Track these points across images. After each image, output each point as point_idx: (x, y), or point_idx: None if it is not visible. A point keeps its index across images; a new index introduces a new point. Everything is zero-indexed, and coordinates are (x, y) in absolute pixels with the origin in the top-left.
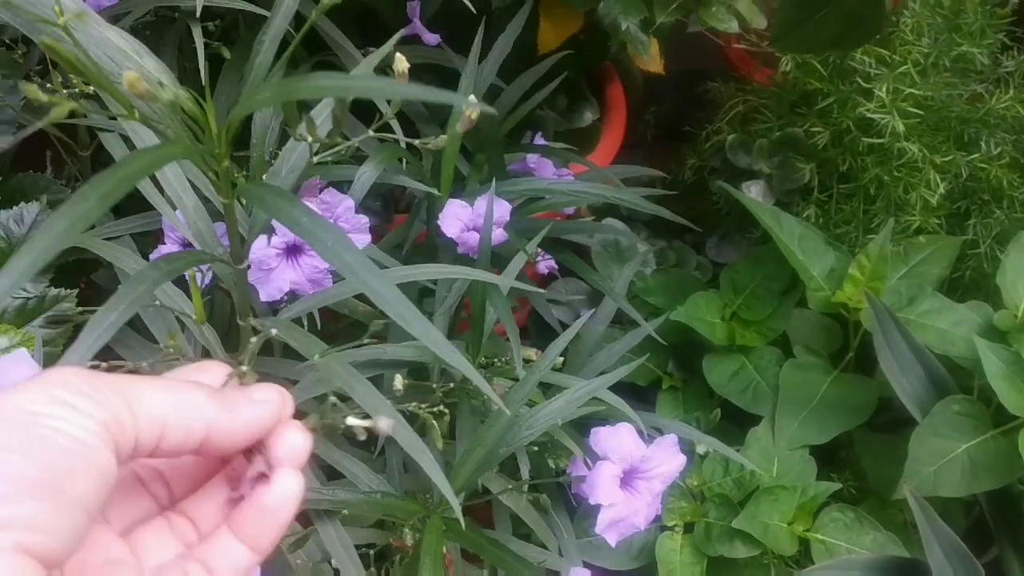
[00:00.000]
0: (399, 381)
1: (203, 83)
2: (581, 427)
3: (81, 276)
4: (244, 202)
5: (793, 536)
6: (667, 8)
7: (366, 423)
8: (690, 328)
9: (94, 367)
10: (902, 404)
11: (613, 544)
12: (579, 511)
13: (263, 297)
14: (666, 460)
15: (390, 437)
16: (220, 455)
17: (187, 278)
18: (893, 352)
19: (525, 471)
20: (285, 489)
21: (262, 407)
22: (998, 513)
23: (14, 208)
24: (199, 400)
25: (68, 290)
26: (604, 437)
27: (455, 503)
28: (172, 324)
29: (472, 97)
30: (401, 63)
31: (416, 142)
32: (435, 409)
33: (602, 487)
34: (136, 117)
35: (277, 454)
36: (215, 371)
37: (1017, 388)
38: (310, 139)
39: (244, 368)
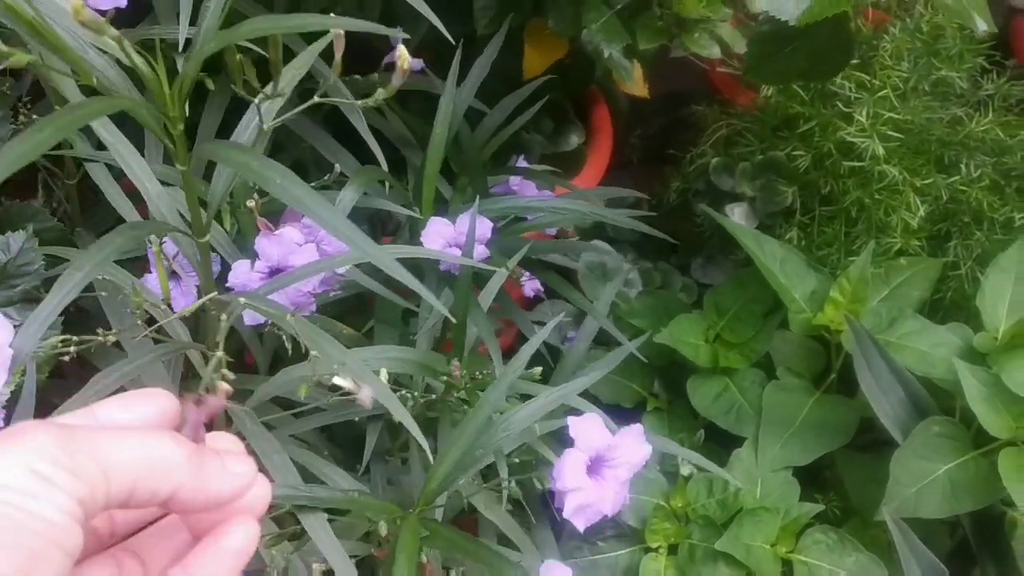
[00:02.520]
0: (384, 374)
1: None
2: (561, 439)
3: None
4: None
5: (776, 558)
6: (650, 35)
7: (348, 381)
8: (674, 350)
9: (64, 341)
10: (883, 425)
11: (581, 529)
12: (565, 532)
13: (248, 320)
14: (632, 449)
15: (375, 454)
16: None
17: (151, 256)
18: (874, 374)
19: (504, 471)
20: (241, 537)
21: (235, 481)
22: (980, 534)
23: (1, 237)
24: (172, 463)
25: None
26: (572, 425)
27: (427, 448)
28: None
29: (400, 31)
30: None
31: (360, 103)
32: (403, 393)
33: (569, 472)
34: (92, 81)
35: (236, 507)
36: (161, 400)
37: (997, 410)
38: (256, 100)
39: (219, 354)
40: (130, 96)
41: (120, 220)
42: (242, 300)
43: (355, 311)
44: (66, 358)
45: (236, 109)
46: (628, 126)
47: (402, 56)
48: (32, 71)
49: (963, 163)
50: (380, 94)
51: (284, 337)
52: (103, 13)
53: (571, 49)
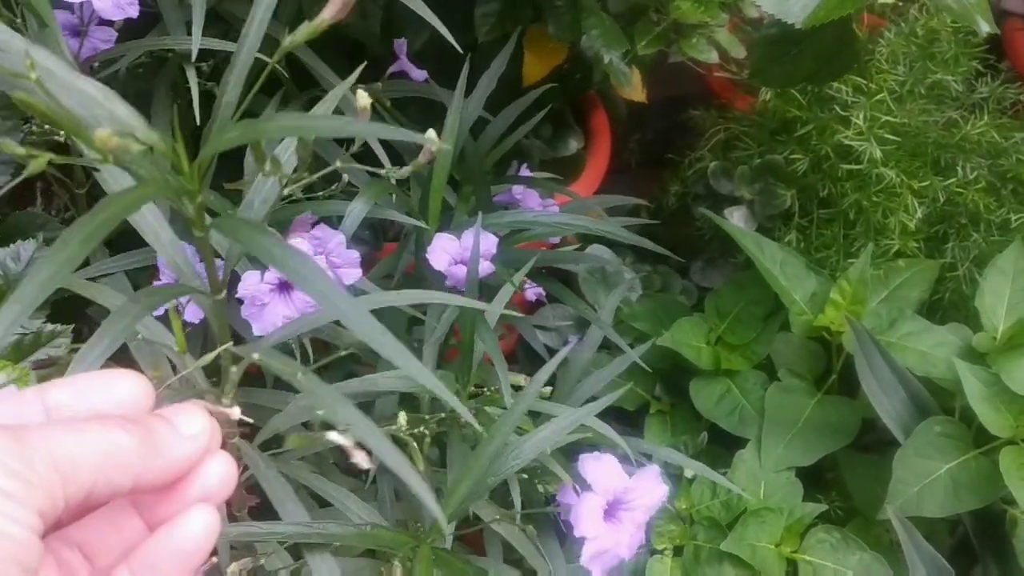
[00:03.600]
0: (403, 418)
1: (196, 121)
2: (569, 453)
3: (77, 311)
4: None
5: (781, 558)
6: (649, 41)
7: (346, 441)
8: (676, 353)
9: None
10: (885, 425)
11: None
12: (569, 537)
13: (256, 331)
14: (649, 491)
15: (382, 466)
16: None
17: (161, 267)
18: (875, 374)
19: (517, 500)
20: (197, 528)
21: (191, 444)
22: (981, 532)
23: (11, 246)
24: (126, 448)
25: (63, 326)
26: (589, 467)
27: (444, 523)
28: (159, 355)
29: (431, 133)
30: (362, 99)
31: (382, 172)
32: (416, 430)
33: (586, 519)
34: (111, 161)
35: (193, 490)
36: (129, 382)
37: (997, 409)
38: (277, 176)
39: (226, 401)
40: (157, 178)
41: (128, 230)
42: (256, 356)
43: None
44: None
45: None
46: (626, 131)
47: (433, 141)
48: None
49: (959, 165)
50: (406, 171)
51: (294, 349)
52: (111, 23)
53: (570, 55)
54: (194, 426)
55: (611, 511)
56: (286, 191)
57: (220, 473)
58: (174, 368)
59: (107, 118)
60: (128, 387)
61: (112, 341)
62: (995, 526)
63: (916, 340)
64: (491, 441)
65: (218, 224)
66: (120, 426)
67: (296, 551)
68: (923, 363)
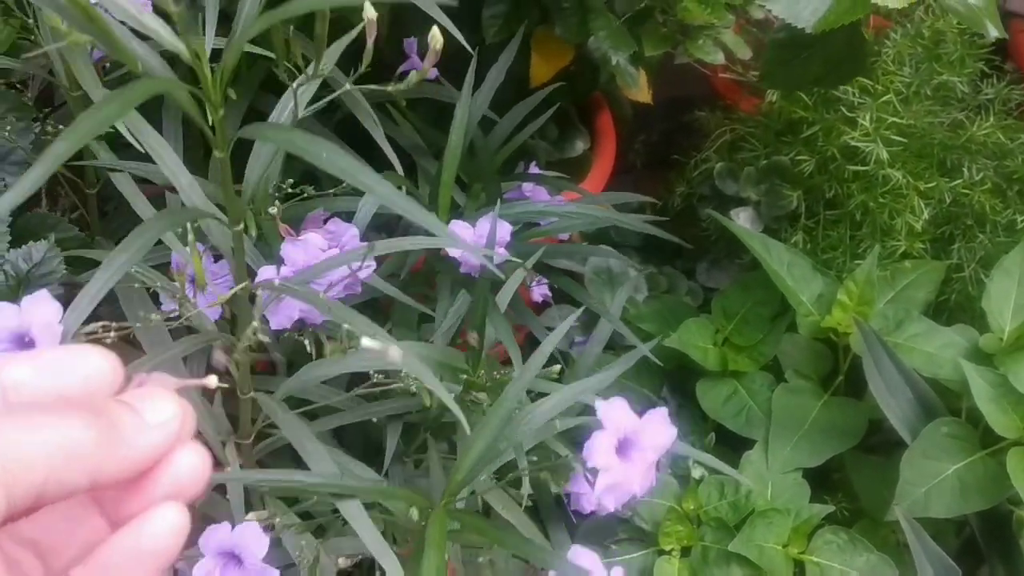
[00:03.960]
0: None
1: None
2: (576, 443)
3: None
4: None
5: (788, 559)
6: (655, 42)
7: (378, 344)
8: (683, 354)
9: (105, 327)
10: (891, 426)
11: (611, 508)
12: (579, 531)
13: (273, 326)
14: (658, 431)
15: (395, 455)
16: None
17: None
18: (882, 376)
19: (523, 461)
20: (163, 528)
21: (158, 433)
22: (988, 533)
23: (23, 247)
24: (82, 441)
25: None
26: (601, 409)
27: (464, 423)
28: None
29: (435, 30)
30: (369, 11)
31: (391, 88)
32: None
33: (599, 452)
34: (138, 70)
35: (161, 485)
36: (96, 359)
37: (1004, 410)
38: (295, 84)
39: (255, 323)
40: (173, 80)
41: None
42: (277, 284)
43: (371, 316)
44: (108, 341)
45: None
46: (632, 132)
47: (435, 36)
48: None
49: (965, 166)
50: (413, 77)
51: (306, 341)
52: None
53: (576, 56)
54: (162, 413)
55: (622, 449)
56: (301, 114)
57: (191, 465)
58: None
59: (136, 27)
60: (95, 364)
61: (138, 249)
62: (1002, 527)
63: (923, 341)
64: (502, 404)
65: (249, 131)
66: (79, 417)
67: (307, 516)
68: (930, 364)
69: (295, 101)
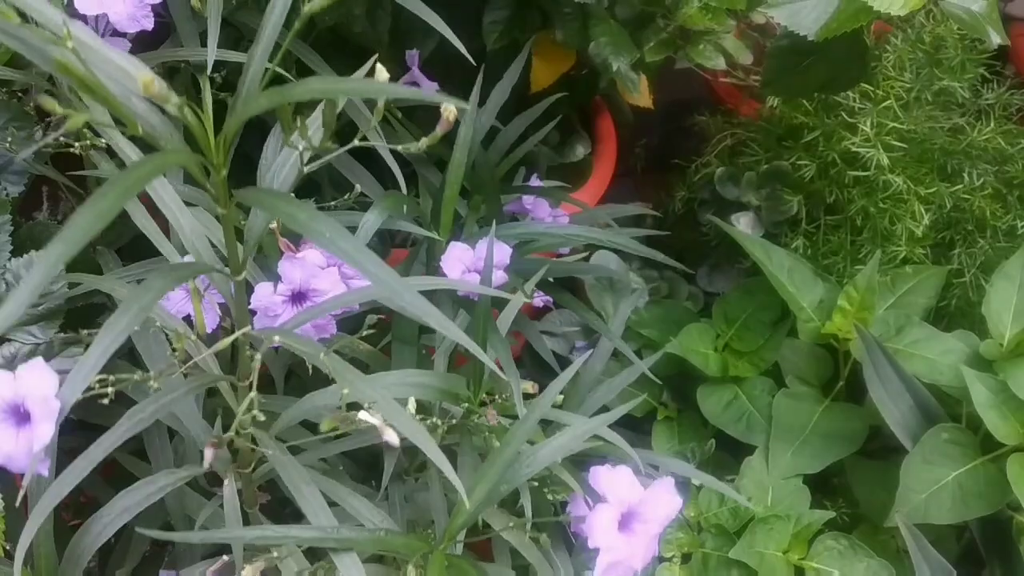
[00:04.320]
0: (412, 404)
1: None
2: (579, 463)
3: (90, 322)
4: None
5: (789, 565)
6: (657, 48)
7: (376, 420)
8: (684, 359)
9: (101, 382)
10: (891, 432)
11: None
12: (577, 547)
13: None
14: (664, 503)
15: (394, 474)
16: None
17: (188, 292)
18: (883, 382)
19: (528, 509)
20: None
21: None
22: (988, 539)
23: (24, 256)
24: None
25: (79, 333)
26: (603, 479)
27: (465, 497)
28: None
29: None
30: (382, 73)
31: (399, 148)
32: (428, 421)
33: (600, 531)
34: (140, 132)
35: None
36: None
37: (1004, 416)
38: (300, 147)
39: (253, 388)
40: (182, 149)
41: (141, 236)
42: (277, 338)
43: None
44: (105, 400)
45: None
46: (632, 136)
47: (447, 109)
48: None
49: (966, 172)
50: (422, 144)
51: (328, 371)
52: (124, 35)
53: (576, 61)
54: None
55: (625, 522)
56: (305, 170)
57: None
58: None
59: (136, 88)
60: None
61: (140, 311)
62: (1002, 533)
63: (923, 347)
64: (505, 448)
65: (243, 195)
66: None
67: (312, 554)
68: (930, 370)
69: (301, 160)
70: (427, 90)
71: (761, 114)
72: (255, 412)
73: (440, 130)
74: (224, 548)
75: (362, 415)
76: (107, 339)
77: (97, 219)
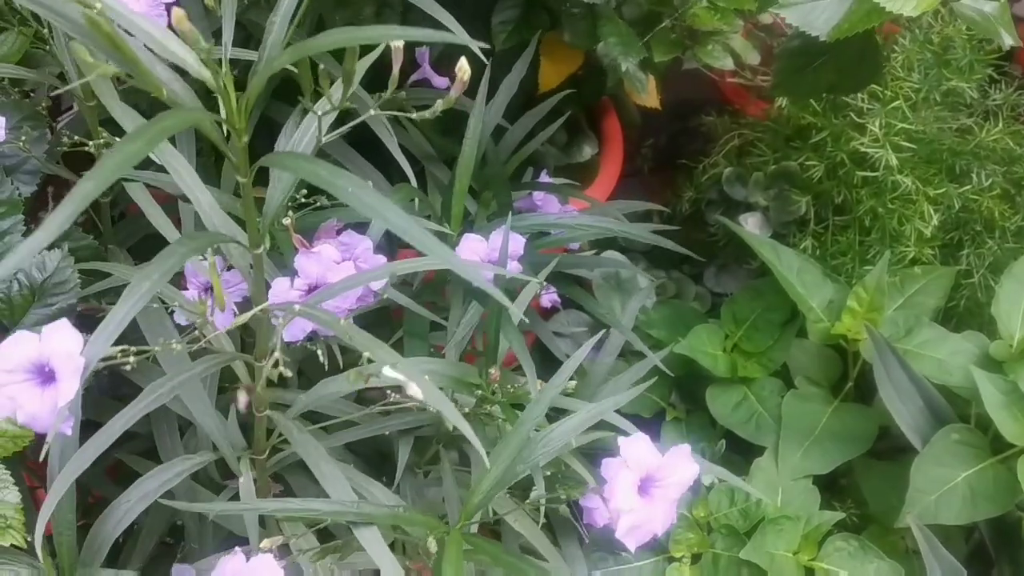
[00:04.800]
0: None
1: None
2: (591, 457)
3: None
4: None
5: (799, 566)
6: (665, 48)
7: (400, 375)
8: (692, 360)
9: (124, 351)
10: (900, 432)
11: (632, 549)
12: (590, 543)
13: (286, 337)
14: (681, 468)
15: (407, 467)
16: None
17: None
18: (893, 382)
19: (541, 488)
20: None
21: None
22: (997, 539)
23: (36, 256)
24: None
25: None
26: (623, 446)
27: (486, 460)
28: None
29: (463, 61)
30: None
31: (416, 116)
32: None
33: (621, 493)
34: (164, 95)
35: None
36: None
37: (1015, 417)
38: (320, 112)
39: (278, 354)
40: (200, 110)
41: (152, 236)
42: (297, 308)
43: (381, 324)
44: (128, 367)
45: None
46: (639, 136)
47: (462, 67)
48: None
49: (974, 172)
50: (439, 106)
51: (319, 351)
52: None
53: (584, 61)
54: None
55: (644, 487)
56: (323, 139)
57: None
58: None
59: (162, 53)
60: None
61: (163, 275)
62: (1011, 533)
63: (933, 348)
64: (520, 428)
65: (266, 159)
66: None
67: (323, 535)
68: (940, 371)
69: (319, 127)
70: (439, 86)
71: (769, 114)
72: (281, 369)
73: (454, 93)
74: (237, 542)
75: (386, 370)
76: (130, 300)
77: (125, 161)
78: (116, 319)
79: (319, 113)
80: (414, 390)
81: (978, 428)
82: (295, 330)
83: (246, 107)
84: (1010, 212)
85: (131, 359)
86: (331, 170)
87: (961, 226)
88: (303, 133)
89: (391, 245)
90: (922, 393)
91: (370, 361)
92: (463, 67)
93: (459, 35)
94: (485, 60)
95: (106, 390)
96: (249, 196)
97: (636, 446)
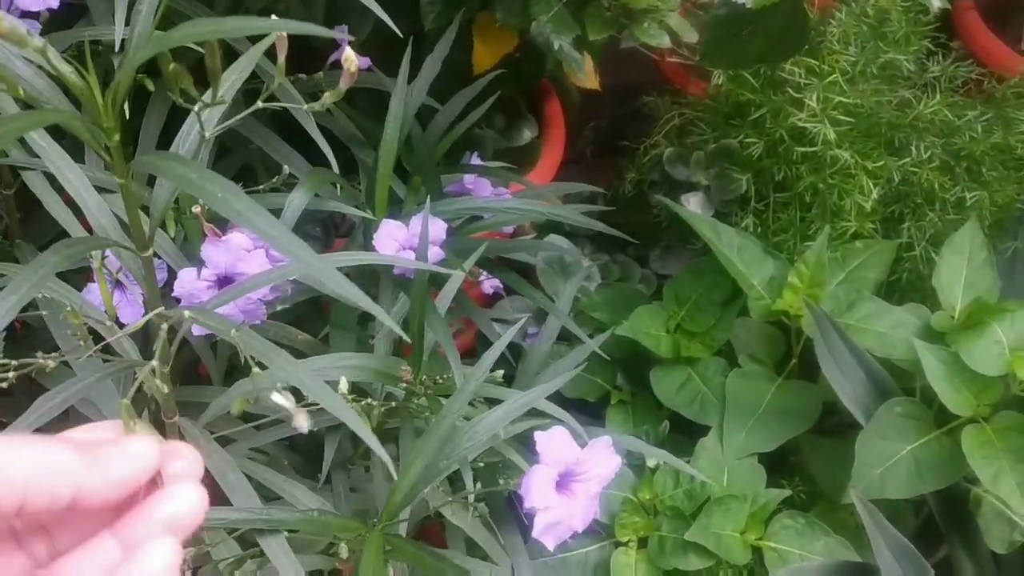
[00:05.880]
0: (344, 384)
1: (126, 116)
2: (530, 444)
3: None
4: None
5: (746, 545)
6: (599, 26)
7: (287, 401)
8: (636, 342)
9: (3, 366)
10: (846, 408)
11: (551, 547)
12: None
13: (195, 331)
14: (601, 462)
15: (336, 462)
16: (93, 513)
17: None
18: (835, 357)
19: (469, 483)
20: (157, 562)
21: (136, 462)
22: (946, 512)
23: None
24: (65, 461)
25: None
26: (539, 441)
27: (392, 467)
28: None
29: (349, 50)
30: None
31: (307, 107)
32: (364, 402)
33: (537, 490)
34: (20, 94)
35: (159, 517)
36: (103, 431)
37: (957, 388)
38: (196, 108)
39: (155, 363)
40: (61, 108)
41: (63, 234)
42: (187, 314)
43: (310, 316)
44: (4, 384)
45: (180, 111)
46: (580, 119)
47: (348, 58)
48: None
49: (913, 145)
50: (327, 98)
51: (239, 347)
52: (36, 15)
53: (520, 43)
54: (140, 447)
55: (563, 482)
56: (207, 134)
57: (188, 502)
58: (99, 339)
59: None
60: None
61: (31, 287)
62: (959, 506)
63: (875, 322)
64: (442, 421)
65: (143, 162)
66: (64, 445)
67: (244, 542)
68: (882, 344)
69: (200, 124)
70: (361, 66)
71: (708, 93)
72: (159, 384)
73: (343, 84)
74: None
75: (274, 397)
76: None
77: None
78: None
79: (196, 110)
80: (300, 421)
81: (922, 401)
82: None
83: (113, 103)
84: (950, 184)
85: (10, 375)
86: (202, 174)
87: (901, 199)
88: (188, 130)
89: (328, 235)
90: (865, 367)
91: (262, 366)
92: (349, 58)
93: (319, 29)
94: (401, 35)
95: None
96: (131, 197)
97: (553, 441)
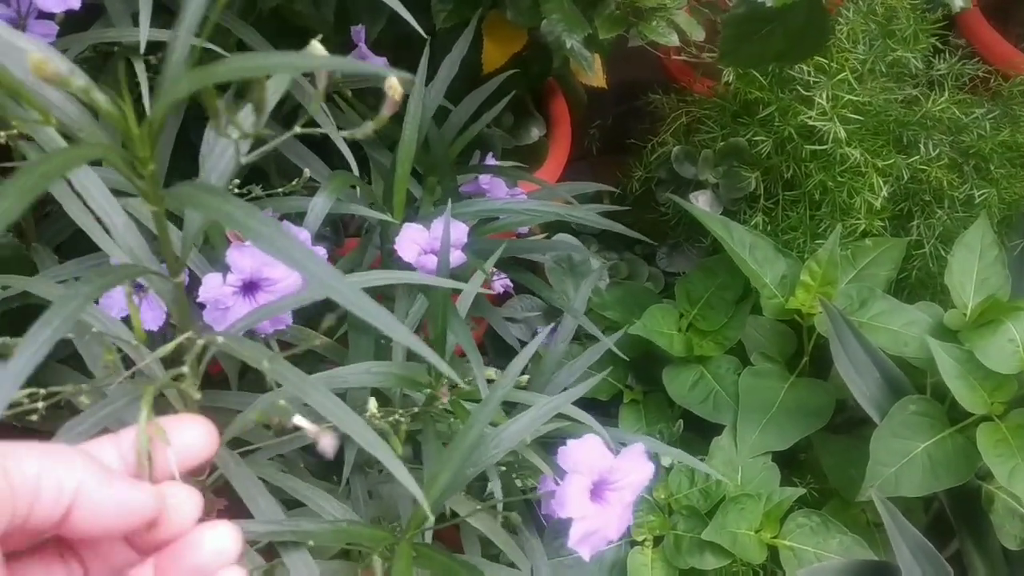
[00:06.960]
0: (373, 404)
1: (145, 111)
2: (547, 445)
3: (27, 325)
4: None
5: (761, 544)
6: (609, 24)
7: (310, 425)
8: (648, 341)
9: (32, 396)
10: (857, 405)
11: (587, 558)
12: (549, 530)
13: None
14: (635, 469)
15: (356, 465)
16: (89, 537)
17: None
18: (849, 355)
19: (497, 490)
20: None
21: (142, 494)
22: (958, 508)
23: None
24: (73, 460)
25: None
26: (572, 449)
27: (427, 506)
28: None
29: (392, 79)
30: (317, 49)
31: (344, 134)
32: (391, 419)
33: (572, 500)
34: (53, 123)
35: (202, 556)
36: (197, 429)
37: (971, 386)
38: (234, 136)
39: (184, 371)
40: (99, 141)
41: (79, 233)
42: (220, 339)
43: (326, 313)
44: (34, 416)
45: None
46: (586, 117)
47: (393, 87)
48: None
49: (922, 143)
50: (368, 127)
51: (271, 378)
52: (53, 16)
53: (528, 41)
54: (174, 491)
55: (597, 491)
56: (244, 160)
57: (218, 544)
58: (130, 363)
59: (62, 87)
60: (195, 433)
61: (64, 321)
62: (971, 502)
63: (887, 319)
64: (469, 431)
65: (175, 194)
66: (76, 449)
67: (268, 552)
68: (895, 342)
69: (236, 151)
70: (376, 64)
71: (716, 91)
72: (185, 401)
73: (387, 111)
74: None
75: (296, 419)
76: (27, 353)
77: (17, 201)
78: (14, 372)
79: (235, 139)
80: (325, 443)
81: (935, 398)
82: (229, 327)
83: (149, 135)
84: (958, 181)
85: (39, 405)
86: (246, 211)
87: (910, 197)
88: (221, 151)
89: (337, 235)
90: (878, 365)
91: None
92: (393, 85)
93: (369, 67)
94: (425, 36)
95: None
96: (164, 226)
97: (586, 449)
